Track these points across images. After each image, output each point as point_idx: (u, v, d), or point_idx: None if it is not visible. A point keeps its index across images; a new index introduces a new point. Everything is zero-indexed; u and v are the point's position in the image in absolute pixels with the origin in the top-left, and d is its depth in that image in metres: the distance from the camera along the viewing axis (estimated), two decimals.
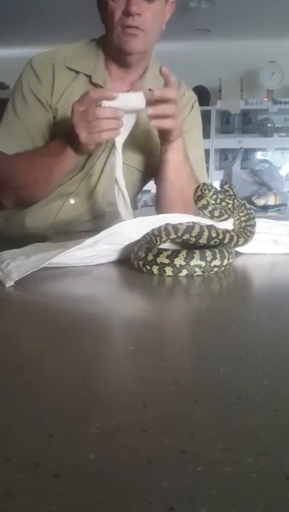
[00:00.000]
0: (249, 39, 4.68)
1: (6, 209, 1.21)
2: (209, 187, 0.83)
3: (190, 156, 1.15)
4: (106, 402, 0.30)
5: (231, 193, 0.85)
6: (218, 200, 0.83)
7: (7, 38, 4.54)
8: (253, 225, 0.82)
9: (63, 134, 1.03)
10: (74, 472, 0.23)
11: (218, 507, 0.21)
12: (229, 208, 0.82)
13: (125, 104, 0.95)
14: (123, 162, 1.03)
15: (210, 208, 0.80)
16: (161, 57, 1.26)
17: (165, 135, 1.04)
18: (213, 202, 0.83)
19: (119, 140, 1.00)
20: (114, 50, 1.11)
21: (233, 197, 0.84)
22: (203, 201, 0.80)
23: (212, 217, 0.80)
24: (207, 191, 0.82)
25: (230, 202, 0.83)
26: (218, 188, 0.85)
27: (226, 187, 0.86)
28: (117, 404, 0.30)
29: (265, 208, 1.98)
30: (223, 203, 0.83)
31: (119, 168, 1.02)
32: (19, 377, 0.34)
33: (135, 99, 0.97)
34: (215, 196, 0.84)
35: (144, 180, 1.30)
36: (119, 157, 1.01)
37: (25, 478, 0.22)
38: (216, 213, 0.80)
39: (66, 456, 0.24)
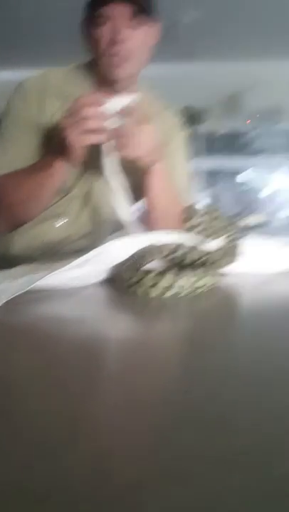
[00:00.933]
0: (232, 62, 4.80)
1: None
2: (197, 209, 0.85)
3: (175, 177, 1.17)
4: (93, 426, 0.31)
5: (218, 213, 0.87)
6: (206, 222, 0.85)
7: None
8: (239, 245, 0.83)
9: (52, 147, 1.03)
10: (63, 496, 0.23)
11: None
12: (216, 230, 0.83)
13: (115, 106, 0.96)
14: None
15: (197, 230, 0.81)
16: (146, 81, 1.29)
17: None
18: (199, 221, 0.84)
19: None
20: (101, 77, 1.13)
21: (220, 218, 0.86)
22: (191, 223, 0.81)
23: (199, 239, 0.81)
24: (195, 213, 0.84)
25: (218, 223, 0.84)
26: (206, 209, 0.87)
27: (212, 208, 0.87)
28: (105, 429, 0.30)
29: (249, 228, 2.01)
30: (211, 225, 0.84)
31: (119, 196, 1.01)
32: (4, 401, 0.34)
33: (125, 100, 0.97)
34: (202, 218, 0.85)
35: (132, 201, 1.32)
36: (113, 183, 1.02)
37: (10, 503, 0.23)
38: (203, 235, 0.81)
39: (54, 481, 0.24)
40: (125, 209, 1.01)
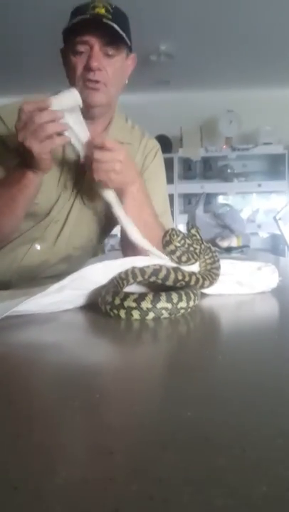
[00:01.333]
0: (207, 90, 4.95)
1: None
2: (177, 232, 0.85)
3: (154, 201, 1.18)
4: (71, 451, 0.30)
5: (198, 237, 0.87)
6: (186, 246, 0.85)
7: None
8: (218, 268, 0.84)
9: (20, 160, 1.03)
10: None
11: None
12: (196, 253, 0.84)
13: (62, 104, 0.96)
14: (86, 207, 1.03)
15: (178, 254, 0.81)
16: (123, 109, 1.32)
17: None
18: (179, 245, 0.84)
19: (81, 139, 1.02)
20: None
21: (200, 241, 0.86)
22: (172, 246, 0.81)
23: (180, 262, 0.81)
24: (175, 236, 0.84)
25: (198, 247, 0.85)
26: (186, 233, 0.87)
27: (192, 231, 0.88)
28: (83, 454, 0.29)
29: (228, 250, 2.04)
30: (191, 248, 0.84)
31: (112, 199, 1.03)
32: None
33: (69, 96, 0.98)
34: (183, 241, 0.85)
35: (111, 225, 1.32)
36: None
37: None
38: (184, 258, 0.82)
39: (31, 510, 0.23)
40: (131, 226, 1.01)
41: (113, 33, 1.05)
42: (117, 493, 0.25)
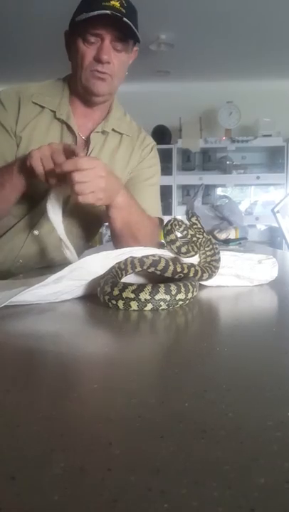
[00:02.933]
0: (207, 80, 4.91)
1: None
2: (180, 222, 0.85)
3: (146, 192, 1.20)
4: (69, 441, 0.30)
5: (199, 225, 0.87)
6: (189, 236, 0.85)
7: None
8: (218, 260, 0.84)
9: (19, 160, 1.05)
10: None
11: None
12: (196, 245, 0.83)
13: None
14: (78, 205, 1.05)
15: (178, 244, 0.81)
16: (123, 99, 1.32)
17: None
18: (181, 235, 0.84)
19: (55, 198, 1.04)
20: (80, 89, 1.16)
21: (201, 230, 0.86)
22: (172, 236, 0.81)
23: (179, 252, 0.81)
24: (177, 226, 0.84)
25: (200, 236, 0.85)
26: (187, 224, 0.87)
27: (193, 220, 0.87)
28: (81, 444, 0.29)
29: (226, 242, 2.03)
30: (194, 238, 0.85)
31: (58, 221, 1.05)
32: None
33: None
34: (185, 232, 0.85)
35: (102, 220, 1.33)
36: (55, 216, 1.04)
37: None
38: (183, 249, 0.81)
39: (29, 499, 0.23)
40: (72, 253, 1.05)
41: (127, 30, 1.06)
42: (116, 484, 0.25)
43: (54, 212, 1.04)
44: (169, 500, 0.23)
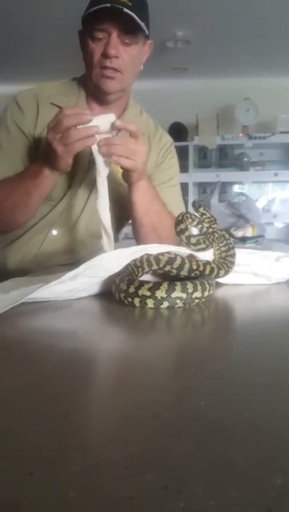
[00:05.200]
0: (224, 77, 4.87)
1: None
2: (192, 216, 0.85)
3: (168, 193, 1.20)
4: (86, 439, 0.30)
5: (208, 215, 0.87)
6: (204, 229, 0.85)
7: None
8: (233, 256, 0.83)
9: (40, 156, 1.04)
10: None
11: None
12: (208, 238, 0.83)
13: (98, 123, 0.97)
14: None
15: (187, 234, 0.81)
16: (140, 96, 1.32)
17: (126, 175, 1.05)
18: (197, 231, 0.85)
19: (103, 173, 1.01)
20: (93, 88, 1.16)
21: (212, 219, 0.86)
22: (182, 226, 0.82)
23: (188, 243, 0.81)
24: (190, 220, 0.84)
25: (215, 226, 0.85)
26: (200, 217, 0.87)
27: (201, 210, 0.87)
28: (98, 441, 0.30)
29: (243, 240, 2.02)
30: (210, 230, 0.85)
31: (104, 204, 1.01)
32: None
33: (107, 118, 0.99)
34: (200, 226, 0.86)
35: (126, 216, 1.33)
36: (102, 192, 1.01)
37: None
38: (193, 240, 0.81)
39: (46, 496, 0.23)
40: (107, 215, 1.02)
41: (132, 22, 1.05)
42: (132, 482, 0.25)
43: (101, 195, 1.02)
44: (185, 499, 0.23)
